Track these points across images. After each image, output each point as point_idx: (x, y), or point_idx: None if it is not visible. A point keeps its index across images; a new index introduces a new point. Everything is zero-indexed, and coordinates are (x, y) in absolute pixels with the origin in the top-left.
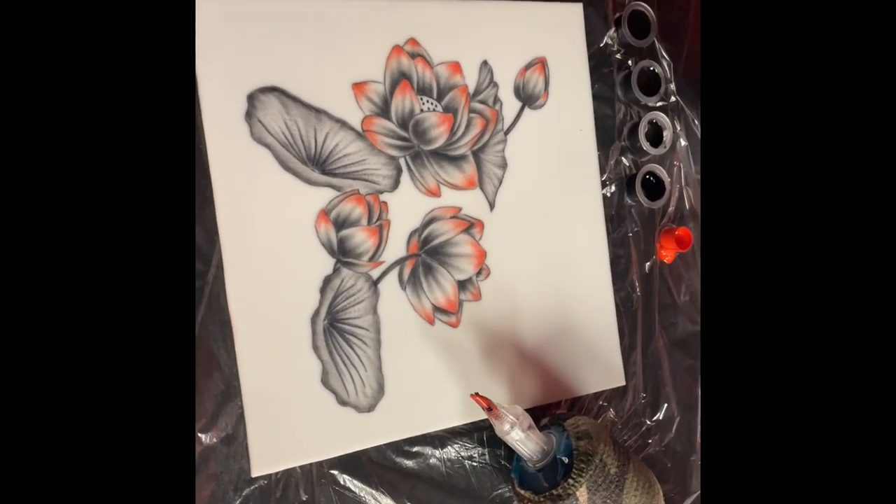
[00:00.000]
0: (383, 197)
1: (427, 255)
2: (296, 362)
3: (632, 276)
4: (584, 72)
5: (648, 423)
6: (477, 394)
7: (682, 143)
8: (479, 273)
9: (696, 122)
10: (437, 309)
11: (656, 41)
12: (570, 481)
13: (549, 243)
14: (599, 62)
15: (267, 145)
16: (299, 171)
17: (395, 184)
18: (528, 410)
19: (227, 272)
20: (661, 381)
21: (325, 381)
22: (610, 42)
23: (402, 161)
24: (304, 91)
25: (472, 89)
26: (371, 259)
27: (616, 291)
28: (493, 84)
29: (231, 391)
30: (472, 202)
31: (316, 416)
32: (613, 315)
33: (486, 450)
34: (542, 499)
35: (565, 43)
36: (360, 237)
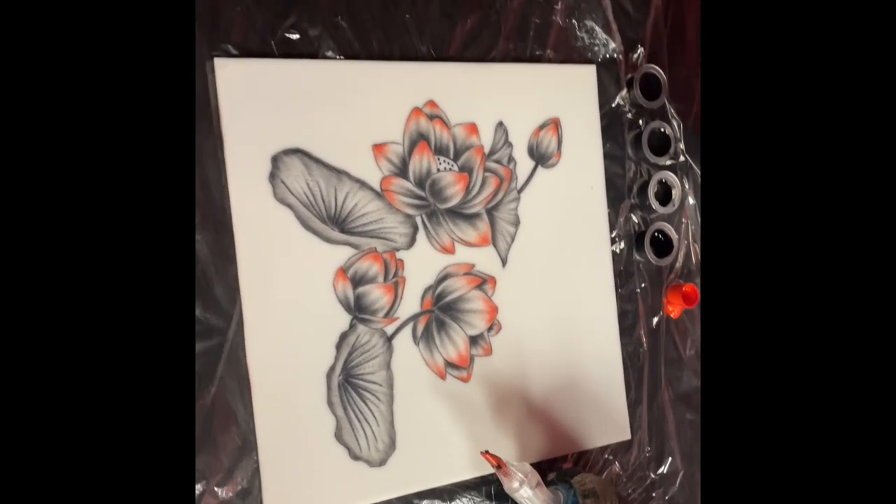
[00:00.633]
0: (399, 254)
1: (440, 310)
2: (311, 417)
3: (639, 331)
4: (596, 132)
5: (653, 476)
6: (487, 451)
7: (691, 201)
8: (490, 328)
9: None
10: (448, 364)
11: (667, 102)
12: None
13: (559, 298)
14: (611, 122)
15: (289, 205)
16: (319, 230)
17: (412, 241)
18: (534, 464)
19: (248, 329)
20: (665, 435)
21: (338, 436)
22: (622, 102)
23: (418, 219)
24: (325, 152)
25: (487, 149)
26: (386, 315)
27: (623, 346)
28: (508, 144)
29: (247, 446)
30: (485, 259)
31: (329, 471)
32: (621, 370)
33: (494, 503)
34: None
35: (578, 104)
36: (377, 294)
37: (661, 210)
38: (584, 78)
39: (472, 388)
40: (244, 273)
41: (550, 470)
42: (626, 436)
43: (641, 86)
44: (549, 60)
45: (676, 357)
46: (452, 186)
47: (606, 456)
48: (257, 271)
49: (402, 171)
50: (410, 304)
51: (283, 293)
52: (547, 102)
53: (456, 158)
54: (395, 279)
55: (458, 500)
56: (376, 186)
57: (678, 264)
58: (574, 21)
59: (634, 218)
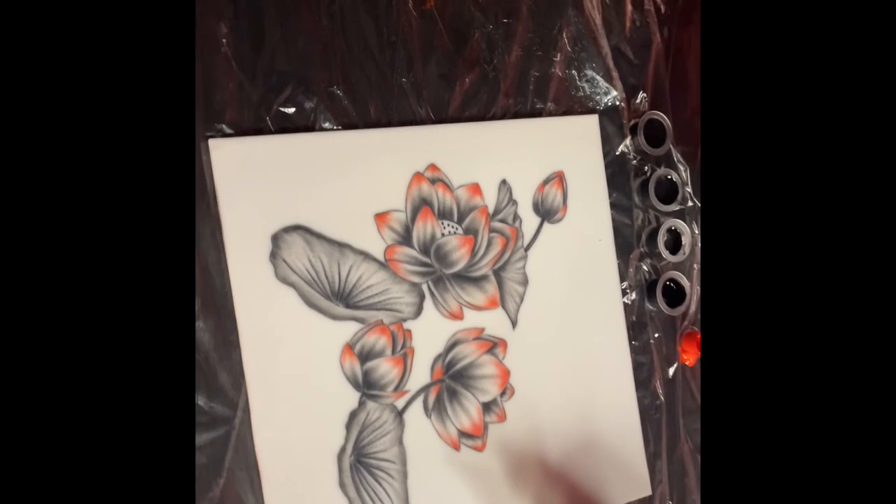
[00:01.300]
0: (407, 325)
1: (451, 379)
2: (322, 501)
3: (655, 383)
4: (601, 182)
5: None
6: None
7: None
8: (503, 393)
9: None
10: (462, 434)
11: (672, 147)
12: None
13: (572, 356)
14: (616, 171)
15: (291, 284)
16: (324, 307)
17: (418, 310)
18: None
19: (254, 416)
20: (686, 489)
21: None
22: (626, 150)
23: (424, 287)
24: (327, 227)
25: (491, 209)
26: (396, 389)
27: (639, 399)
28: (513, 202)
29: None
30: (494, 322)
31: None
32: (638, 425)
33: None
34: None
35: (582, 155)
36: (385, 368)
37: (671, 259)
38: (586, 128)
39: (487, 456)
40: (248, 358)
41: None
42: (647, 491)
43: (645, 132)
44: (551, 113)
45: (694, 407)
46: (458, 250)
47: None
48: (262, 355)
49: (405, 238)
50: (420, 375)
51: (289, 375)
52: (550, 156)
53: (460, 221)
54: (403, 351)
55: None
56: (380, 257)
57: (692, 310)
58: (574, 71)
59: (645, 266)
